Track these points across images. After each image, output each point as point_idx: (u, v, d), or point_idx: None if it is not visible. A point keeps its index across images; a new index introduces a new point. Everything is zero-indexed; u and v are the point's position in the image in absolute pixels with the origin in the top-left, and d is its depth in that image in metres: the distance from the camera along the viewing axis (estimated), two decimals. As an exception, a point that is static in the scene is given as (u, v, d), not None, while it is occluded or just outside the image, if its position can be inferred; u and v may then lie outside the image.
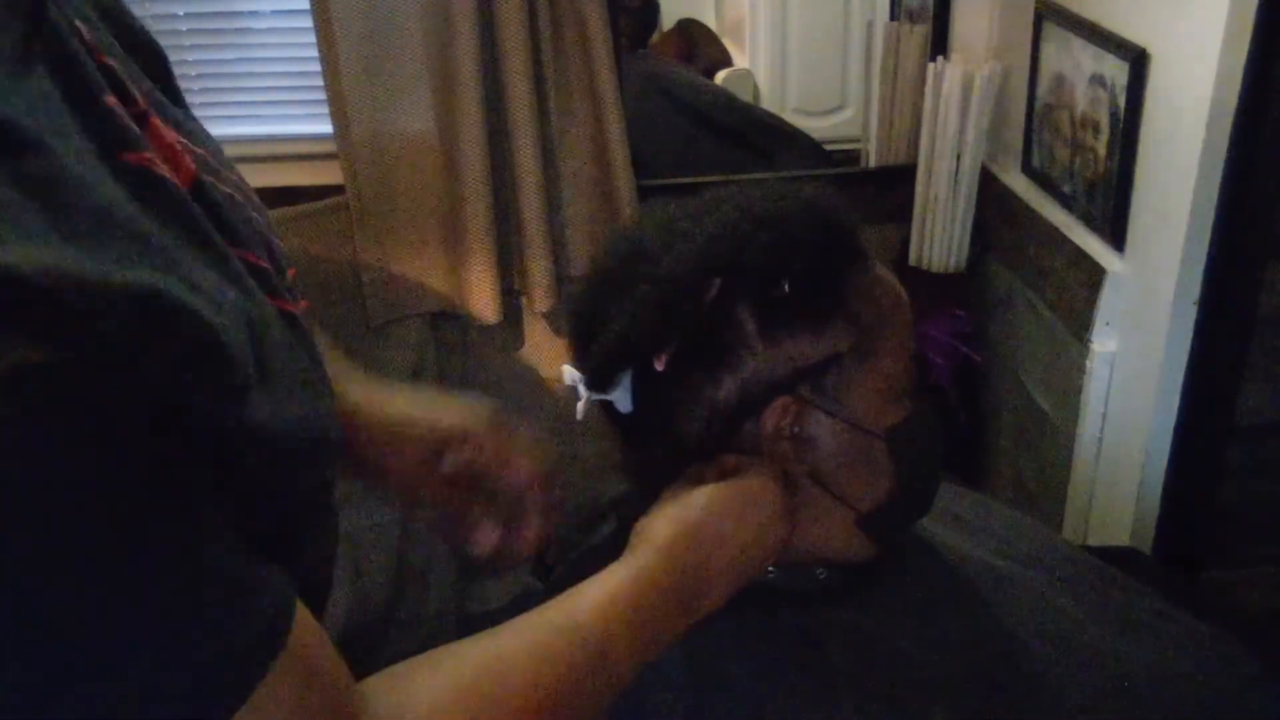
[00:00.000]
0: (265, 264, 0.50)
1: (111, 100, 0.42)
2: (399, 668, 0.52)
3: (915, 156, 1.66)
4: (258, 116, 1.75)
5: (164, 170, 0.43)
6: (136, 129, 0.43)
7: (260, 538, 0.43)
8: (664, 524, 0.66)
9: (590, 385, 0.76)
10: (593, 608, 0.59)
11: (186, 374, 0.38)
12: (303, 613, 0.45)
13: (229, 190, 0.52)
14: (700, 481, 0.70)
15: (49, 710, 0.36)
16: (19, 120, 0.36)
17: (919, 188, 1.66)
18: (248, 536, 0.43)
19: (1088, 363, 1.31)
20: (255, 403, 0.42)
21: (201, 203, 0.46)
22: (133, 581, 0.37)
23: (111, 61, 0.45)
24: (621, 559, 0.64)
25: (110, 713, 0.37)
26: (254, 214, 0.54)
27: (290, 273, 0.55)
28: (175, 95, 0.56)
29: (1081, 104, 1.35)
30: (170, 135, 0.47)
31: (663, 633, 0.62)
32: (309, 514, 0.52)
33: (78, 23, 0.44)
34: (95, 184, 0.38)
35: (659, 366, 0.70)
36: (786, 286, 0.69)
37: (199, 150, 0.51)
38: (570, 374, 0.77)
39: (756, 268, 0.69)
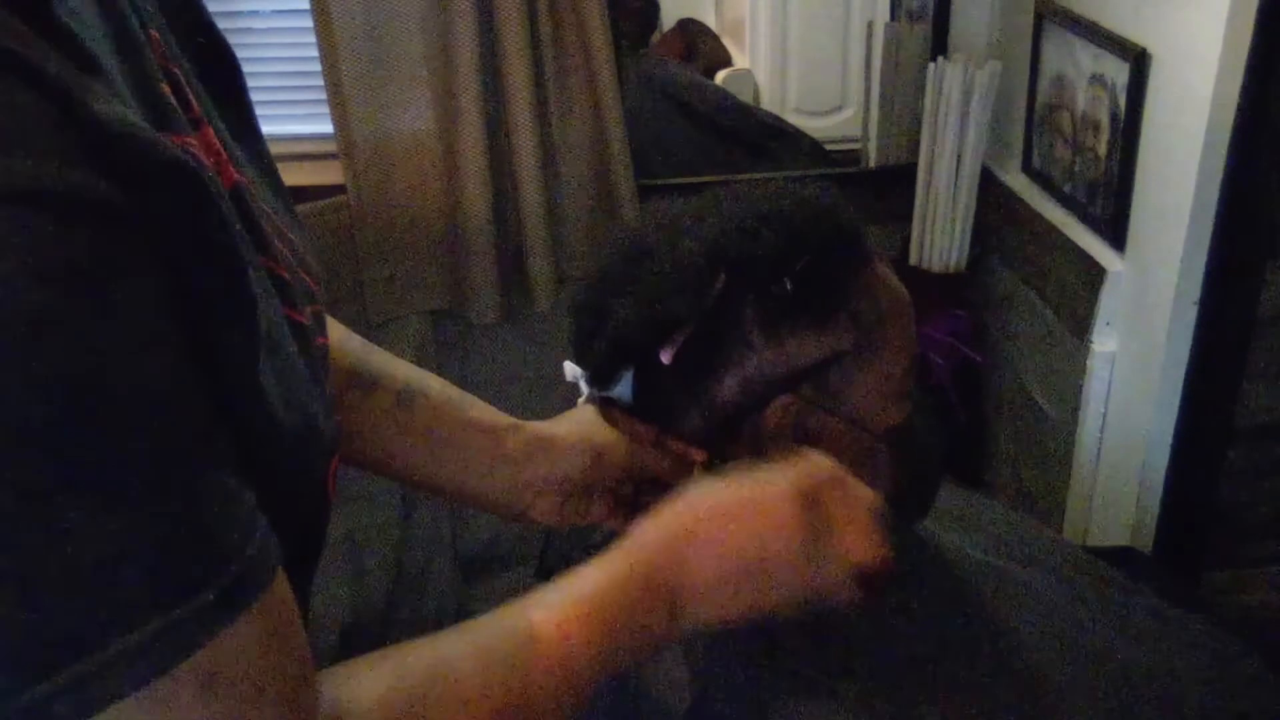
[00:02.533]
0: (286, 276, 0.51)
1: (166, 89, 0.43)
2: (347, 665, 0.51)
3: (915, 156, 1.66)
4: (258, 116, 1.75)
5: (206, 160, 0.44)
6: (185, 120, 0.44)
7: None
8: (652, 524, 0.60)
9: (592, 382, 0.76)
10: (550, 610, 0.55)
11: (210, 257, 0.40)
12: (284, 582, 0.44)
13: (266, 209, 0.53)
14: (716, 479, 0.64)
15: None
16: (96, 53, 0.38)
17: (919, 188, 1.66)
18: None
19: (1088, 363, 1.31)
20: (264, 358, 0.43)
21: (236, 205, 0.47)
22: (143, 431, 0.37)
23: (175, 70, 0.46)
24: (592, 563, 0.59)
25: (44, 583, 0.35)
26: (281, 246, 0.54)
27: (313, 309, 0.55)
28: (239, 97, 0.57)
29: (1082, 104, 1.35)
30: (217, 146, 0.48)
31: (634, 639, 0.57)
32: (291, 504, 0.51)
33: (150, 29, 0.45)
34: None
35: (665, 360, 0.70)
36: (789, 285, 0.69)
37: (240, 177, 0.52)
38: (572, 370, 0.77)
39: (760, 265, 0.69)
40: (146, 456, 0.37)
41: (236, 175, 0.49)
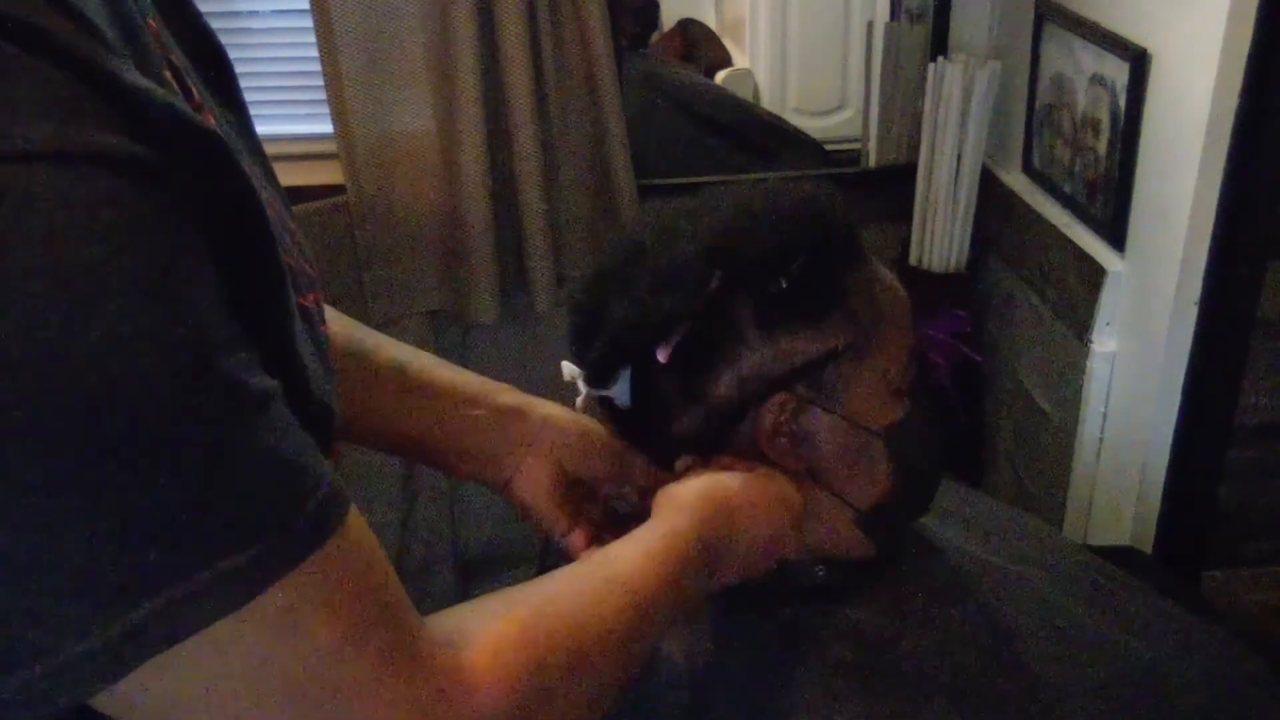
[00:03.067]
0: (290, 261, 0.51)
1: (169, 76, 0.44)
2: (451, 609, 0.53)
3: (915, 156, 1.66)
4: (258, 116, 1.71)
5: None
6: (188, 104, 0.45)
7: None
8: (694, 492, 0.67)
9: (589, 381, 0.76)
10: (630, 561, 0.60)
11: (246, 230, 0.41)
12: (358, 514, 0.45)
13: (268, 198, 0.53)
14: (727, 469, 0.71)
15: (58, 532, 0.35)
16: (109, 37, 0.38)
17: (919, 188, 1.66)
18: None
19: (1088, 363, 1.31)
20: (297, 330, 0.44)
21: None
22: (193, 379, 0.37)
23: (175, 59, 0.47)
24: (650, 522, 0.65)
25: (130, 541, 0.36)
26: (283, 233, 0.55)
27: (313, 296, 0.56)
28: (232, 96, 0.58)
29: (1082, 104, 1.35)
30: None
31: (690, 592, 0.63)
32: None
33: (150, 20, 0.45)
34: None
35: (662, 358, 0.70)
36: (785, 283, 0.69)
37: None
38: (569, 370, 0.77)
39: (755, 263, 0.70)
40: (220, 394, 0.38)
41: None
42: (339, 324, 0.74)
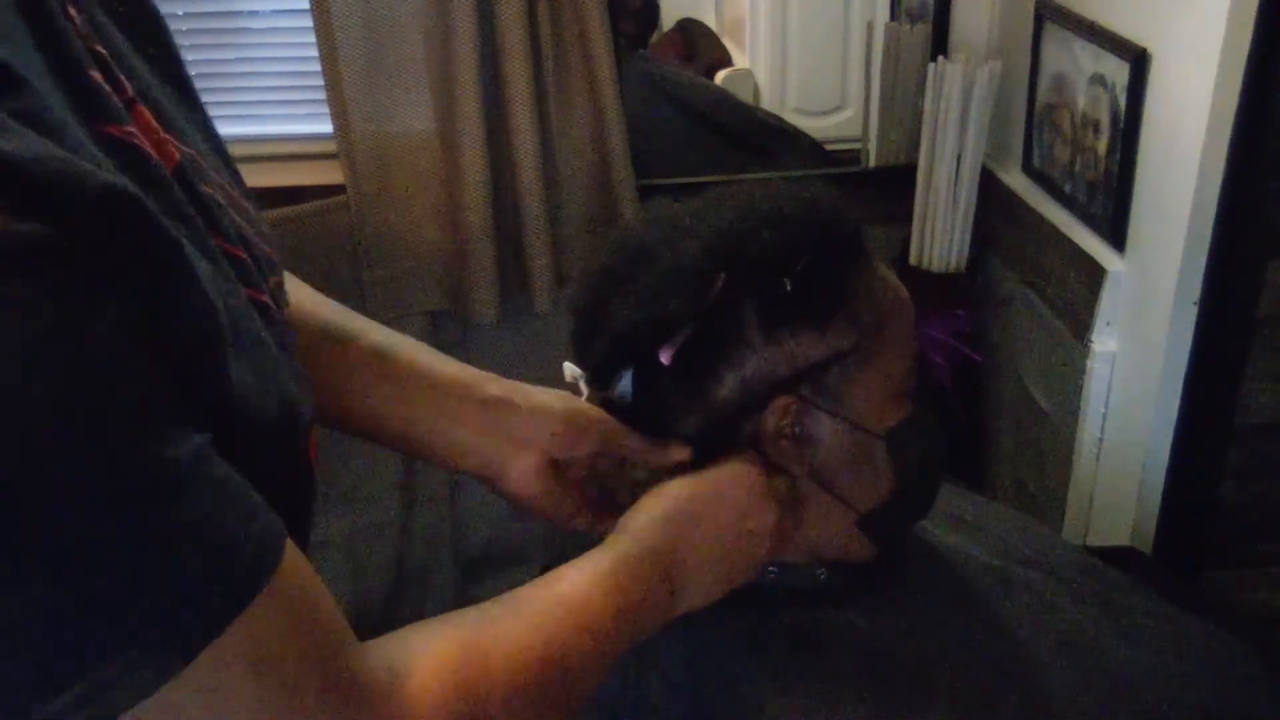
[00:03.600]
0: (244, 256, 0.50)
1: (96, 76, 0.42)
2: (394, 633, 0.53)
3: (915, 156, 1.66)
4: (258, 116, 1.75)
5: (145, 145, 0.43)
6: (120, 105, 0.43)
7: None
8: (637, 513, 0.66)
9: (591, 381, 0.76)
10: (576, 586, 0.59)
11: (165, 285, 0.39)
12: (296, 554, 0.44)
13: (210, 191, 0.52)
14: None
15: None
16: (9, 59, 0.37)
17: (919, 188, 1.66)
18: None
19: (1088, 363, 1.31)
20: (237, 366, 0.43)
21: (183, 186, 0.46)
22: (109, 476, 0.37)
23: (101, 49, 0.45)
24: (600, 546, 0.64)
25: (60, 623, 0.36)
26: (237, 217, 0.54)
27: (274, 280, 0.55)
28: (177, 70, 0.56)
29: (1082, 104, 1.35)
30: (155, 125, 0.47)
31: (647, 617, 0.62)
32: (277, 487, 0.52)
33: (70, 8, 0.44)
34: (81, 136, 0.39)
35: (665, 360, 0.70)
36: (789, 285, 0.69)
37: (186, 150, 0.51)
38: (571, 370, 0.77)
39: (759, 265, 0.69)
40: (140, 481, 0.37)
41: (181, 151, 0.48)
42: (324, 309, 0.72)
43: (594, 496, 0.76)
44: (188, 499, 0.39)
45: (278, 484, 0.46)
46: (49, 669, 0.36)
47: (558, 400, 0.74)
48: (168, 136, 0.48)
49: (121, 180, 0.37)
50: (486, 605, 0.57)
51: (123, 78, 0.46)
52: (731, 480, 0.69)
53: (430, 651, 0.51)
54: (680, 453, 0.73)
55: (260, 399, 0.46)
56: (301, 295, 0.70)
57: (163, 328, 0.39)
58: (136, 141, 0.42)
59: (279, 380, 0.49)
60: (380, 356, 0.72)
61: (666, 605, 0.64)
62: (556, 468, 0.74)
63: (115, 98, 0.43)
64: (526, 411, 0.72)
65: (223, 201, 0.52)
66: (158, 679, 0.38)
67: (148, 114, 0.47)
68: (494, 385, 0.74)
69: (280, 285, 0.57)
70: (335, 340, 0.71)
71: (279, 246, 0.58)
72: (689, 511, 0.66)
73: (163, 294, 0.39)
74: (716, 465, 0.70)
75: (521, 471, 0.73)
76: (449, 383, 0.73)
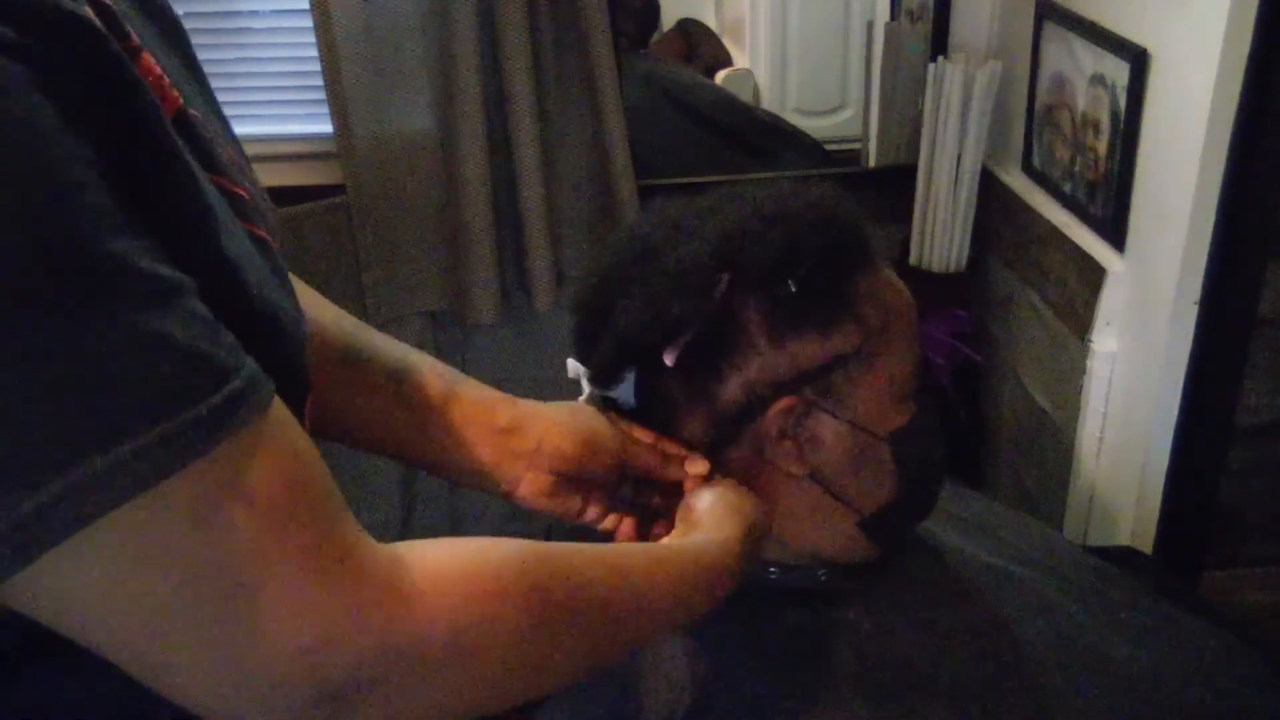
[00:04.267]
0: (242, 192, 0.50)
1: (88, 11, 0.42)
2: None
3: (915, 156, 1.66)
4: (258, 116, 1.75)
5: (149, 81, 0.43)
6: (117, 44, 0.43)
7: None
8: (729, 515, 0.68)
9: (594, 380, 0.76)
10: (645, 556, 0.60)
11: (123, 110, 0.38)
12: (286, 410, 0.43)
13: (210, 135, 0.52)
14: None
15: None
16: None
17: (919, 188, 1.66)
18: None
19: (1088, 363, 1.31)
20: (232, 240, 0.42)
21: (181, 127, 0.46)
22: (76, 276, 0.36)
23: (109, 2, 0.45)
24: (679, 532, 0.67)
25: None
26: (239, 159, 0.54)
27: (279, 245, 0.55)
28: (185, 47, 0.57)
29: (1082, 104, 1.35)
30: (159, 69, 0.47)
31: (696, 608, 0.62)
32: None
33: None
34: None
35: (668, 361, 0.70)
36: (794, 286, 0.69)
37: (192, 111, 0.51)
38: (574, 367, 0.77)
39: (764, 266, 0.69)
40: (106, 275, 0.37)
41: (178, 98, 0.48)
42: (339, 325, 0.73)
43: (602, 501, 0.77)
44: (165, 312, 0.38)
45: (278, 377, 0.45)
46: (20, 462, 0.35)
47: (570, 420, 0.75)
48: (169, 84, 0.48)
49: (80, 11, 0.37)
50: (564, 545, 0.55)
51: (130, 30, 0.45)
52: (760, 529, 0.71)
53: (446, 557, 0.47)
54: (698, 467, 0.73)
55: (263, 289, 0.45)
56: (316, 311, 0.70)
57: (133, 161, 0.38)
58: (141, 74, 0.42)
59: (269, 287, 0.48)
60: (397, 380, 0.73)
61: (719, 596, 0.64)
62: (563, 482, 0.75)
63: (115, 42, 0.43)
64: (535, 440, 0.73)
65: (230, 153, 0.52)
66: (134, 488, 0.37)
67: (150, 60, 0.46)
68: (506, 410, 0.74)
69: (282, 248, 0.56)
70: (351, 363, 0.72)
71: (278, 234, 0.58)
72: (758, 535, 0.69)
73: (124, 123, 0.39)
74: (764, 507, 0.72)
75: (532, 487, 0.74)
76: (463, 410, 0.74)
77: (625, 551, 0.63)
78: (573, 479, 0.74)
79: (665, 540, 0.67)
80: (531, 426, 0.74)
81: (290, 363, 0.50)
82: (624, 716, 0.73)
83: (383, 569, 0.45)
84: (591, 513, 0.75)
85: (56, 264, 0.36)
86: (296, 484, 0.42)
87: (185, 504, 0.38)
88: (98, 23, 0.38)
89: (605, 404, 0.77)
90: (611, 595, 0.54)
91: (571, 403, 0.77)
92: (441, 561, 0.47)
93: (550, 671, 0.52)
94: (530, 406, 0.75)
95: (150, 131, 0.40)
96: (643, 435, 0.75)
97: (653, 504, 0.77)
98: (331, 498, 0.44)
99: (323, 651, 0.42)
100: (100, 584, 0.38)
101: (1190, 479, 1.25)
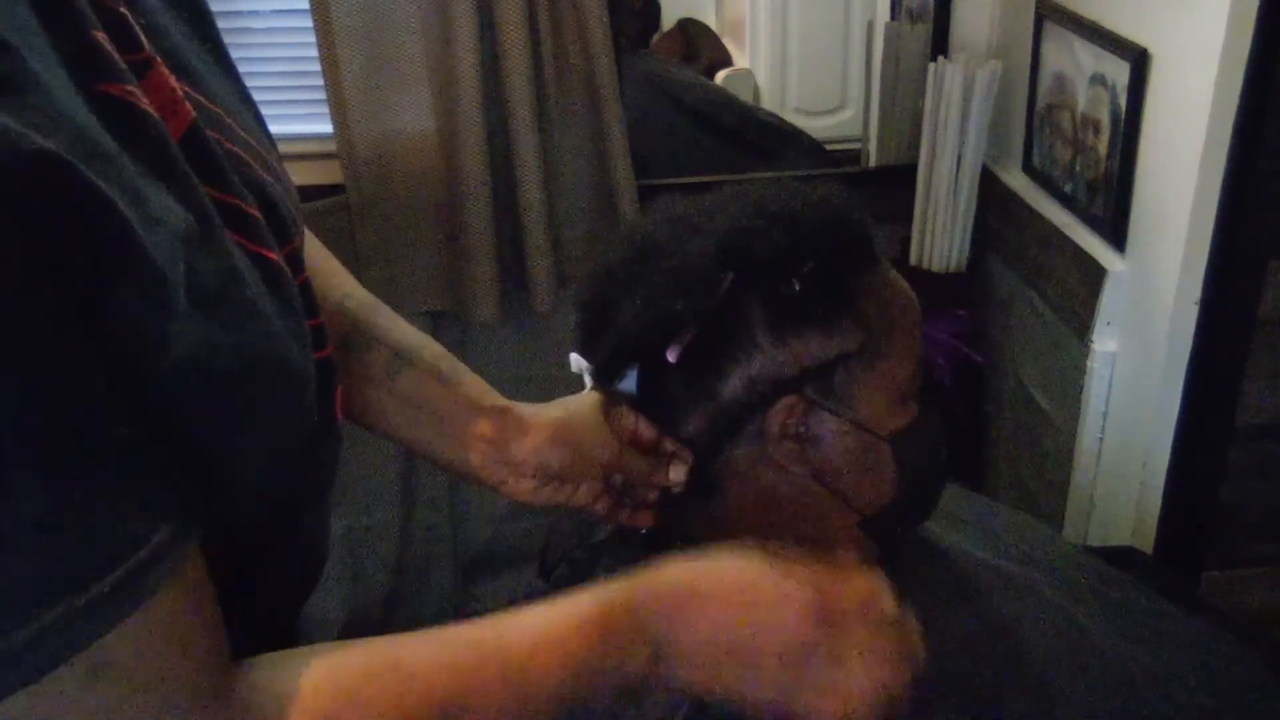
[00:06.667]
0: (256, 214, 0.50)
1: (99, 35, 0.42)
2: (291, 651, 0.50)
3: (915, 156, 1.66)
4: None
5: (145, 104, 0.43)
6: (123, 65, 0.43)
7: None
8: (665, 568, 0.58)
9: (597, 377, 0.76)
10: (526, 631, 0.53)
11: (94, 250, 0.38)
12: (197, 566, 0.43)
13: (235, 149, 0.52)
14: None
15: None
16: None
17: (919, 188, 1.66)
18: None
19: (1088, 363, 1.31)
20: (188, 329, 0.42)
21: (191, 145, 0.46)
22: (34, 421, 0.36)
23: (124, 10, 0.45)
24: (595, 586, 0.57)
25: None
26: (265, 175, 0.54)
27: (291, 247, 0.55)
28: (213, 34, 0.57)
29: (1082, 104, 1.35)
30: (172, 82, 0.47)
31: (605, 678, 0.54)
32: (279, 465, 0.50)
33: None
34: (61, 96, 0.38)
35: (671, 358, 0.70)
36: (797, 285, 0.69)
37: (214, 109, 0.51)
38: (577, 362, 0.77)
39: (768, 264, 0.69)
40: (32, 447, 0.36)
41: (204, 109, 0.48)
42: (351, 303, 0.74)
43: (613, 483, 0.78)
44: (72, 485, 0.38)
45: (275, 438, 0.45)
46: None
47: (560, 433, 0.75)
48: (197, 96, 0.48)
49: (52, 147, 0.37)
50: (404, 642, 0.53)
51: (144, 38, 0.45)
52: (770, 594, 0.57)
53: (302, 683, 0.48)
54: (678, 473, 0.74)
55: (231, 357, 0.44)
56: (324, 289, 0.71)
57: (94, 283, 0.38)
58: (134, 100, 0.42)
59: (271, 340, 0.47)
60: (392, 374, 0.74)
61: (640, 672, 0.55)
62: (557, 478, 0.76)
63: (118, 57, 0.43)
64: (526, 452, 0.74)
65: (249, 160, 0.52)
66: (28, 677, 0.37)
67: (166, 72, 0.46)
68: (495, 420, 0.75)
69: (297, 252, 0.56)
70: (349, 349, 0.73)
71: (299, 219, 0.59)
72: (710, 590, 0.57)
73: (97, 258, 0.38)
74: (781, 575, 0.58)
75: (520, 489, 0.75)
76: (458, 408, 0.74)
77: (470, 641, 0.54)
78: (560, 480, 0.76)
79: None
80: (518, 442, 0.74)
81: (300, 402, 0.50)
82: (624, 716, 0.73)
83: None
84: (582, 495, 0.76)
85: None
86: (171, 659, 0.43)
87: (70, 692, 0.39)
88: (81, 170, 0.37)
89: (610, 398, 0.77)
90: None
91: (569, 401, 0.77)
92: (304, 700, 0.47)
93: None
94: (519, 417, 0.75)
95: (129, 256, 0.39)
96: (645, 430, 0.75)
97: (645, 499, 0.78)
98: (207, 658, 0.45)
99: None
100: None
101: (1190, 479, 1.25)
